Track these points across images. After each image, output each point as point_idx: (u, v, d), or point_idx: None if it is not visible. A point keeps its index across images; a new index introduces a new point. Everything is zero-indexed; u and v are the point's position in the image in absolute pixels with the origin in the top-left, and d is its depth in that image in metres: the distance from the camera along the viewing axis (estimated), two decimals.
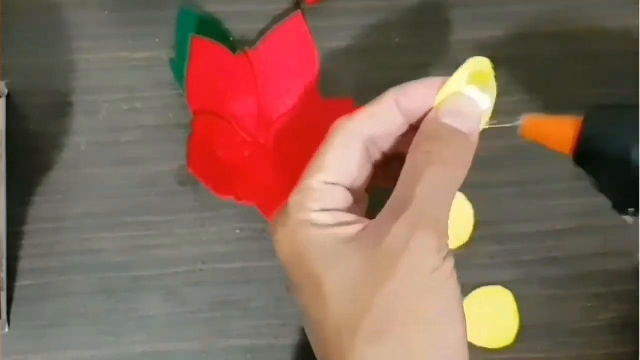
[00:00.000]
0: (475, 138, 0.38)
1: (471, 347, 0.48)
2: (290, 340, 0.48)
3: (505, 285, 0.50)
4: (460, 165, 0.37)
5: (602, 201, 0.49)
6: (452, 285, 0.35)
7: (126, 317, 0.48)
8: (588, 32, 0.53)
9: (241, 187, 0.48)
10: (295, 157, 0.50)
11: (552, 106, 0.52)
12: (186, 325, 0.48)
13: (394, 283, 0.34)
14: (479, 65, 0.39)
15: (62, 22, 0.52)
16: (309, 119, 0.51)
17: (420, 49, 0.53)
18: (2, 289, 0.47)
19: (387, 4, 0.53)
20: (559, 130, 0.39)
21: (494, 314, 0.49)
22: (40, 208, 0.50)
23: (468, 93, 0.38)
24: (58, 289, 0.48)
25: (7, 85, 0.50)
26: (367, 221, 0.36)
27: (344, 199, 0.38)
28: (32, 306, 0.48)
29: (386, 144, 0.39)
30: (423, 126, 0.38)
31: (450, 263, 0.35)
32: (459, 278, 0.37)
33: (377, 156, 0.40)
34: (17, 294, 0.48)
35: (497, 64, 0.52)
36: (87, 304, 0.48)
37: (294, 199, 0.37)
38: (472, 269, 0.50)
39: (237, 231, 0.50)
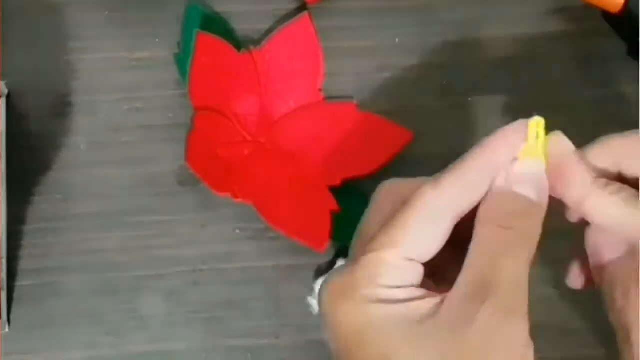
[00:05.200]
0: (545, 206, 0.35)
1: None
2: (290, 340, 0.48)
3: None
4: (536, 238, 0.34)
5: None
6: None
7: (126, 317, 0.48)
8: (589, 32, 0.53)
9: (239, 185, 0.48)
10: (295, 158, 0.50)
11: (553, 106, 0.52)
12: (186, 325, 0.48)
13: None
14: (540, 126, 0.36)
15: (62, 22, 0.52)
16: (310, 121, 0.51)
17: (420, 50, 0.53)
18: (2, 289, 0.47)
19: (388, 4, 0.53)
20: None
21: None
22: (40, 208, 0.50)
23: (537, 157, 0.35)
24: (58, 289, 0.48)
25: (7, 85, 0.50)
26: (436, 296, 0.33)
27: (419, 275, 0.34)
28: (32, 306, 0.48)
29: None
30: (496, 196, 0.34)
31: (532, 352, 0.33)
32: None
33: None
34: (17, 294, 0.48)
35: (497, 64, 0.53)
36: (87, 304, 0.48)
37: (363, 271, 0.34)
38: None
39: (237, 231, 0.50)
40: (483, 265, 0.33)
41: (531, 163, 0.35)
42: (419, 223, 0.34)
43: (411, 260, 0.34)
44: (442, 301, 0.33)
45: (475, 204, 0.34)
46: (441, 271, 0.36)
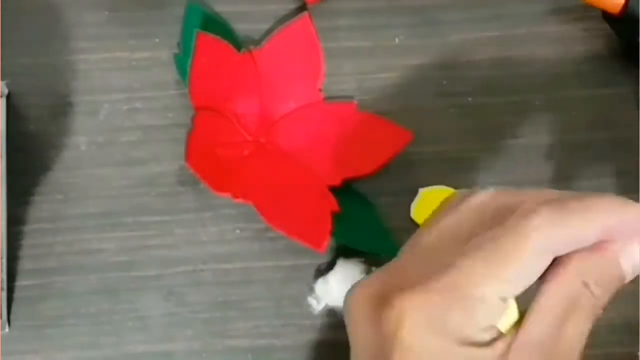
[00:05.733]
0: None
1: None
2: (290, 340, 0.48)
3: None
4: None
5: None
6: None
7: (126, 317, 0.48)
8: (589, 32, 0.53)
9: (239, 185, 0.48)
10: (295, 159, 0.50)
11: (553, 106, 0.52)
12: (186, 325, 0.48)
13: None
14: None
15: (62, 22, 0.52)
16: (310, 121, 0.51)
17: (420, 50, 0.53)
18: (2, 289, 0.47)
19: (387, 4, 0.53)
20: None
21: None
22: (40, 208, 0.49)
23: None
24: (58, 289, 0.48)
25: (7, 85, 0.50)
26: (503, 337, 0.32)
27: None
28: (32, 306, 0.48)
29: None
30: (605, 256, 0.33)
31: None
32: None
33: None
34: (17, 294, 0.48)
35: (497, 64, 0.53)
36: (87, 304, 0.48)
37: (459, 305, 0.31)
38: None
39: (237, 231, 0.50)
40: (551, 319, 0.32)
41: None
42: (525, 260, 0.31)
43: (506, 299, 0.31)
44: (508, 345, 0.31)
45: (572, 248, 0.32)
46: None
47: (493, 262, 0.31)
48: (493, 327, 0.32)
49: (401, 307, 0.31)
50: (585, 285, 0.32)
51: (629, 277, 0.33)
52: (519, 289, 0.31)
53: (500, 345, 0.32)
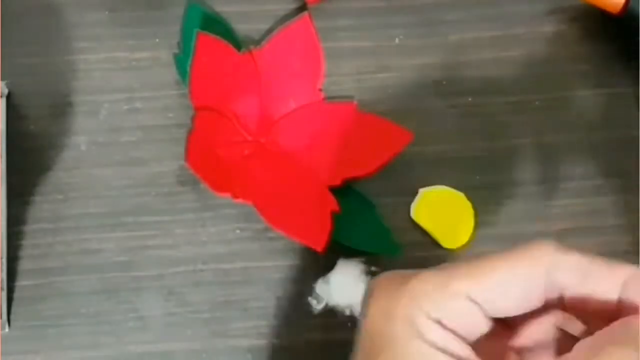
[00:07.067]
0: None
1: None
2: (290, 340, 0.48)
3: None
4: None
5: (604, 201, 0.49)
6: None
7: (126, 317, 0.48)
8: (588, 31, 0.53)
9: (239, 185, 0.48)
10: (295, 159, 0.50)
11: (552, 106, 0.52)
12: (186, 325, 0.48)
13: None
14: None
15: (62, 22, 0.53)
16: (310, 121, 0.51)
17: (420, 50, 0.53)
18: (2, 289, 0.47)
19: (388, 4, 0.53)
20: None
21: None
22: (40, 208, 0.49)
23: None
24: (58, 289, 0.48)
25: (7, 85, 0.50)
26: None
27: (476, 328, 0.30)
28: (32, 306, 0.48)
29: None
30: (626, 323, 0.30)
31: None
32: None
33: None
34: (17, 294, 0.48)
35: (497, 64, 0.53)
36: (87, 304, 0.48)
37: (428, 303, 0.29)
38: None
39: (237, 231, 0.50)
40: None
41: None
42: (514, 268, 0.29)
43: (474, 302, 0.29)
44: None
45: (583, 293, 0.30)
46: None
47: (472, 263, 0.30)
48: (453, 336, 0.30)
49: (375, 281, 0.31)
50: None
51: None
52: (499, 300, 0.30)
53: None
